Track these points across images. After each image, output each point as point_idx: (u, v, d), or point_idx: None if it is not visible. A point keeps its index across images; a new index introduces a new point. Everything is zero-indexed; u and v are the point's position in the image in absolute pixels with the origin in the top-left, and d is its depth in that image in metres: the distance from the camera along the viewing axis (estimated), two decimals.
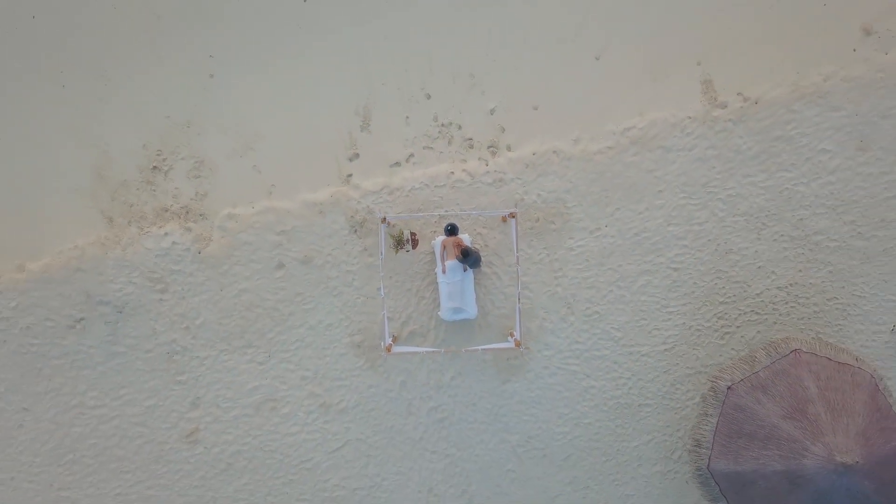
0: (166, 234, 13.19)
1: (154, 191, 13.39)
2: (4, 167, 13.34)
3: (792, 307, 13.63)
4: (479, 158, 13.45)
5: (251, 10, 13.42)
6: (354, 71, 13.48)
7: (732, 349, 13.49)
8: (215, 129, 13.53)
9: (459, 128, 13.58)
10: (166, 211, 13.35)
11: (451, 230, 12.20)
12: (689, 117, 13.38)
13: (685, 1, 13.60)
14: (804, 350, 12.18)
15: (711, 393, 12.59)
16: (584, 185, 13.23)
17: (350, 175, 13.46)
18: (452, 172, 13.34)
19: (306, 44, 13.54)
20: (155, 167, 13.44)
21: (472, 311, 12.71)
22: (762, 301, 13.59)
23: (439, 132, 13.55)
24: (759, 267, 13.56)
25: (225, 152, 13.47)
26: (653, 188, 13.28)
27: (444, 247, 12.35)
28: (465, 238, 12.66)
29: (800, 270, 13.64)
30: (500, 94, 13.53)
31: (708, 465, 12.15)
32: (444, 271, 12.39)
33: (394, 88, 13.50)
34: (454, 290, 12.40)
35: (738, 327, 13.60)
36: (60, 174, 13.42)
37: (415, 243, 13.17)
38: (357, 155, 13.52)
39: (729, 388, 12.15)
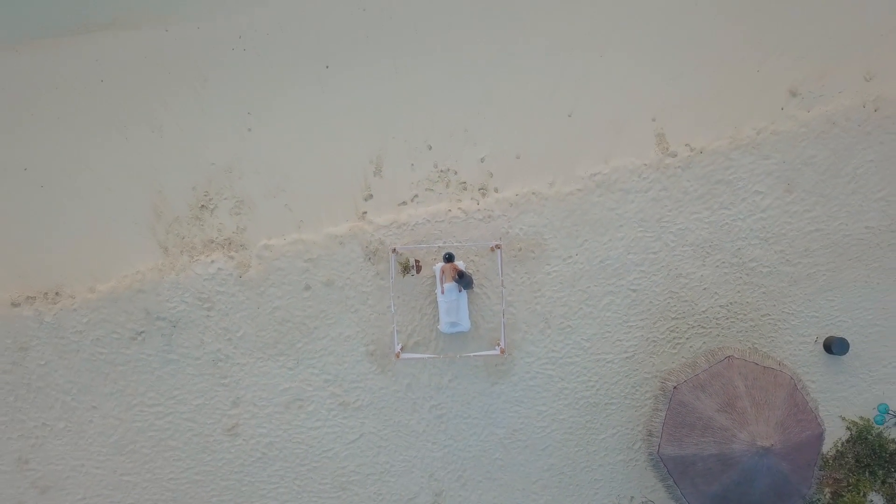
0: (212, 261, 16.25)
1: (202, 225, 16.49)
2: (79, 205, 16.41)
3: (732, 322, 16.75)
4: (472, 198, 16.58)
5: (282, 74, 16.60)
6: (369, 126, 16.64)
7: (682, 357, 16.61)
8: (252, 174, 16.65)
9: (455, 173, 16.73)
10: (212, 242, 16.44)
11: (449, 258, 15.32)
12: (645, 164, 16.56)
13: (641, 68, 16.81)
14: (736, 357, 15.32)
15: (661, 392, 15.71)
16: (558, 220, 16.37)
17: (365, 212, 16.58)
18: (449, 210, 16.47)
19: (329, 103, 16.72)
20: (203, 206, 16.55)
21: (466, 324, 15.81)
22: (707, 317, 16.72)
23: (439, 177, 16.71)
24: (705, 289, 16.69)
25: (261, 193, 16.60)
26: (615, 223, 16.44)
27: (443, 271, 15.44)
28: (460, 264, 15.75)
29: (738, 291, 16.77)
30: (488, 145, 16.71)
31: (658, 450, 15.22)
32: (442, 292, 15.50)
33: (401, 141, 16.68)
34: (451, 307, 15.51)
35: (687, 339, 16.72)
36: (125, 211, 16.49)
37: (419, 269, 16.28)
38: (371, 195, 16.66)
39: (675, 387, 15.25)
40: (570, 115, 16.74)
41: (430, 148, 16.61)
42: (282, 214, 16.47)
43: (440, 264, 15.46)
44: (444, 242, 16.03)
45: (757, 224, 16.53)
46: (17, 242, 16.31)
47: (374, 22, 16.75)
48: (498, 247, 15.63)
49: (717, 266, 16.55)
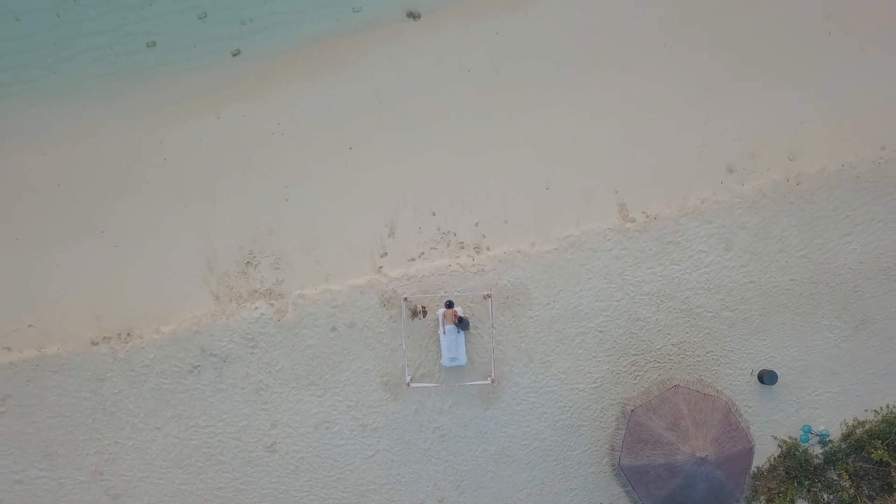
0: (256, 308, 20.52)
1: (247, 278, 20.82)
2: (146, 261, 20.71)
3: (681, 357, 21.02)
4: (468, 256, 20.93)
5: (313, 154, 21.02)
6: (384, 197, 21.04)
7: (641, 386, 20.84)
8: (289, 236, 21.01)
9: (454, 235, 21.13)
10: (256, 292, 20.76)
11: (450, 304, 19.65)
12: (609, 228, 20.96)
13: (605, 150, 21.33)
14: (681, 386, 19.57)
15: (622, 414, 19.95)
16: (538, 274, 20.72)
17: (381, 267, 20.92)
18: (450, 265, 20.82)
19: (351, 178, 21.17)
20: (248, 262, 20.90)
21: (463, 359, 20.04)
22: (661, 353, 20.99)
23: (441, 238, 21.10)
24: (659, 330, 20.98)
25: (296, 251, 20.95)
26: (585, 276, 20.78)
27: (445, 316, 19.71)
28: (458, 310, 19.96)
29: (686, 332, 21.05)
30: (481, 212, 21.11)
31: (619, 462, 19.40)
32: (444, 332, 19.77)
33: (410, 209, 21.09)
34: (451, 345, 19.77)
35: (645, 371, 20.97)
36: (184, 266, 20.79)
37: (425, 313, 20.53)
38: (386, 253, 21.03)
39: (632, 410, 19.48)
40: (547, 188, 21.19)
41: (434, 214, 20.99)
42: (313, 269, 20.74)
43: (442, 310, 19.67)
44: (446, 292, 20.27)
45: (701, 277, 20.84)
46: (96, 292, 20.53)
47: (388, 111, 21.30)
48: (489, 295, 19.96)
49: (669, 311, 20.81)
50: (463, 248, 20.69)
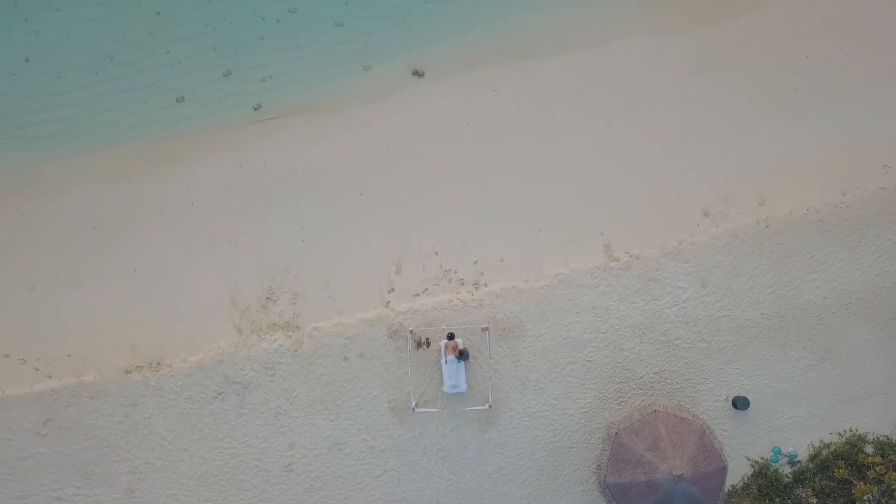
0: (275, 339, 23.02)
1: (267, 312, 23.35)
2: (175, 297, 23.21)
3: (662, 385, 23.48)
4: (468, 291, 23.48)
5: (327, 198, 23.63)
6: (392, 237, 23.62)
7: (625, 411, 23.32)
8: (305, 273, 23.56)
9: (455, 272, 23.70)
10: (275, 325, 23.28)
11: (451, 336, 22.14)
12: (595, 267, 23.56)
13: (592, 195, 24.00)
14: (661, 410, 22.04)
15: (607, 436, 22.42)
16: (531, 308, 23.27)
17: (388, 301, 23.47)
18: (451, 300, 23.37)
19: (362, 220, 23.80)
20: (268, 297, 23.45)
21: (464, 387, 22.48)
22: (643, 381, 23.46)
23: (443, 275, 23.68)
24: (641, 360, 23.47)
25: (311, 288, 23.48)
26: (573, 310, 23.32)
27: (447, 346, 22.18)
28: (459, 341, 22.46)
29: (666, 362, 23.55)
30: (480, 252, 23.69)
31: (605, 480, 21.84)
32: (446, 361, 22.24)
33: (415, 249, 23.67)
34: (452, 373, 22.22)
35: (629, 397, 23.44)
36: (209, 301, 23.28)
37: (428, 344, 23.02)
38: (393, 289, 23.59)
39: (616, 433, 21.93)
40: (539, 230, 23.83)
41: (437, 254, 23.60)
42: (327, 303, 23.27)
43: (444, 341, 22.11)
44: (447, 325, 22.76)
45: (680, 311, 23.40)
46: (129, 325, 23.01)
47: (395, 161, 24.02)
48: (487, 328, 22.50)
49: (651, 343, 23.32)
50: (463, 284, 23.22)
